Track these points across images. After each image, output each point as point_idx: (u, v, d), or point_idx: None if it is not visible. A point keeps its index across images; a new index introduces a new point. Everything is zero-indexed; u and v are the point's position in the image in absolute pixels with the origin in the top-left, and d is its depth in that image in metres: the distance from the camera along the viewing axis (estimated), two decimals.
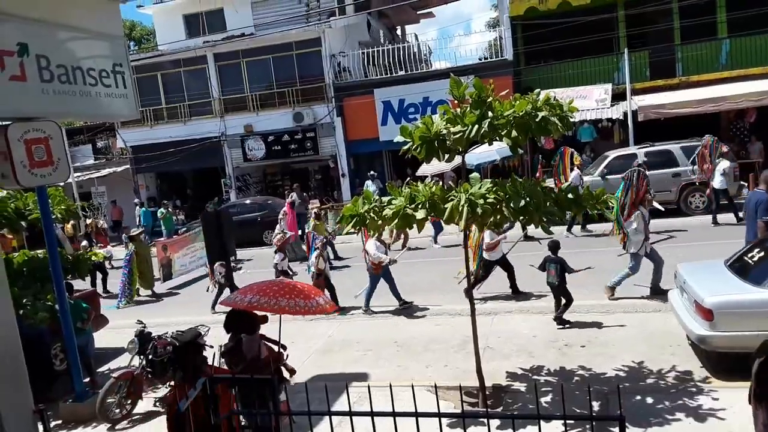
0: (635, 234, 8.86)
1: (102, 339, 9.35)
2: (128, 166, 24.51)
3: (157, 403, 7.19)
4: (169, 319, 10.45)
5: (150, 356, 7.04)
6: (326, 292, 9.74)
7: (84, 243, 17.69)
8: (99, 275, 14.50)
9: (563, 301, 8.35)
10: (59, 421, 6.98)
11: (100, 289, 13.77)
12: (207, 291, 11.89)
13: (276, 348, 5.69)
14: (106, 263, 15.32)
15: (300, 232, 18.88)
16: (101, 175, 24.48)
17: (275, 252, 11.40)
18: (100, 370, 8.56)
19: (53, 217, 8.30)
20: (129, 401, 6.87)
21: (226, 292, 10.69)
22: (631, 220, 8.88)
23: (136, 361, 7.13)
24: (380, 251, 9.85)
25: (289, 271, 11.32)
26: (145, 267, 13.69)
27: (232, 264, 13.32)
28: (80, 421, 6.93)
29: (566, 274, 8.30)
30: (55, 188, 9.53)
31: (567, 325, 8.29)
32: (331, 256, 14.35)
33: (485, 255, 9.77)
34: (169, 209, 20.66)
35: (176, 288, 14.73)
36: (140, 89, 22.02)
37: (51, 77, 5.82)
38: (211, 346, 7.20)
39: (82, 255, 9.26)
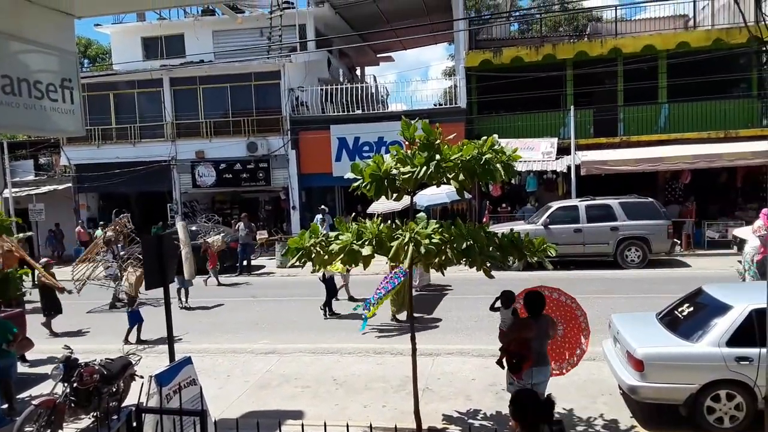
0: None
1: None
2: (70, 184, 23.65)
3: None
4: (100, 346, 9.99)
5: (75, 384, 6.72)
6: None
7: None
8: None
9: None
10: None
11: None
12: None
13: None
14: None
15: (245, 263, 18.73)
16: (41, 192, 23.44)
17: None
18: (20, 396, 8.06)
19: None
20: (49, 431, 6.47)
21: None
22: None
23: (60, 389, 6.77)
24: None
25: None
26: (404, 290, 10.89)
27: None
28: None
29: None
30: None
31: None
32: None
33: None
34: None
35: None
36: (91, 107, 21.57)
37: None
38: (141, 377, 6.95)
39: (12, 273, 8.82)
